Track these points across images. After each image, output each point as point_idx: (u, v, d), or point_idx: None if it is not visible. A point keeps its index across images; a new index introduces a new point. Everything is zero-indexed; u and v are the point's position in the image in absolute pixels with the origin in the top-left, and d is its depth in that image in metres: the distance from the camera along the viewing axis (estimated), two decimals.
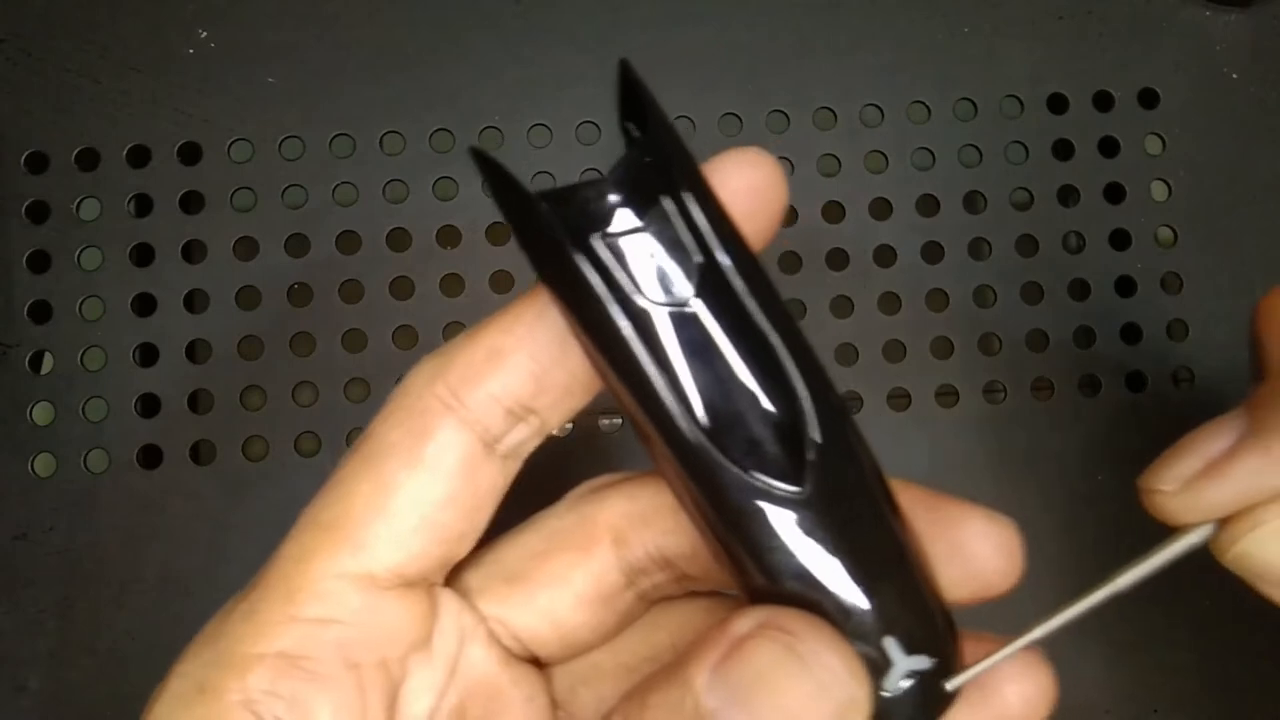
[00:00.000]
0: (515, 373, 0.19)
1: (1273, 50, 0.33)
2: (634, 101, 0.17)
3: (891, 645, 0.17)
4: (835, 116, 0.32)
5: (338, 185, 0.31)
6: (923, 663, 0.17)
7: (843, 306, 0.31)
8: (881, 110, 0.32)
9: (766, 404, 0.17)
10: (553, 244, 0.17)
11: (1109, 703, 0.30)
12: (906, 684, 0.17)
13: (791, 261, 0.32)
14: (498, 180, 0.17)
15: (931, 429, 0.31)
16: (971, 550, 0.18)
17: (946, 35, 0.33)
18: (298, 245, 0.31)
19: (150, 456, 0.30)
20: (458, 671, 0.20)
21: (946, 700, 0.18)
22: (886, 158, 0.32)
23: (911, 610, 0.17)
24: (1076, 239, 0.32)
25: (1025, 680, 0.19)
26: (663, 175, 0.17)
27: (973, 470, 0.31)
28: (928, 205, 0.32)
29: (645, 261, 0.17)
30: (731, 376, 0.17)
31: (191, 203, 0.31)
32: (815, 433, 0.17)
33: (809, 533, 0.17)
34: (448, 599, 0.21)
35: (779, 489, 0.17)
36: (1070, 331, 0.31)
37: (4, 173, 0.31)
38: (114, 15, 0.32)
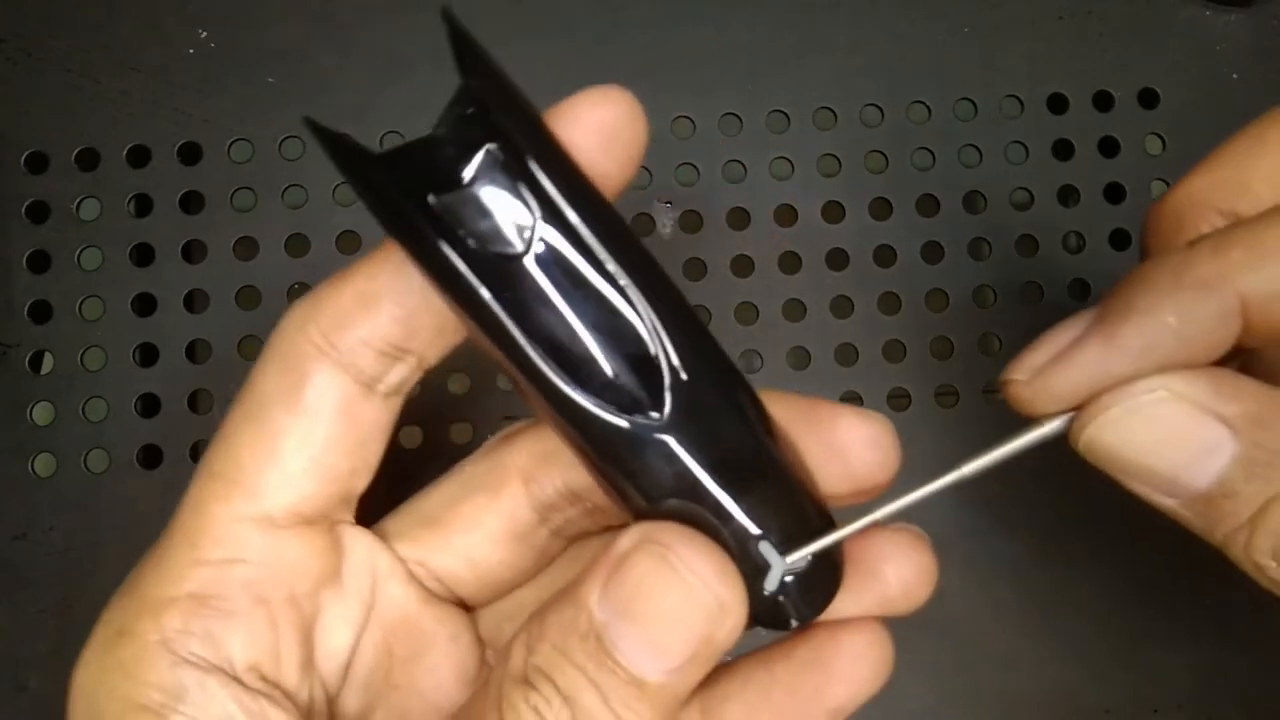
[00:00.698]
0: (384, 317, 0.19)
1: (1273, 50, 0.33)
2: (464, 53, 0.17)
3: (767, 548, 0.18)
4: (835, 116, 0.32)
5: (337, 185, 0.31)
6: (801, 560, 0.18)
7: (843, 306, 0.31)
8: (881, 110, 0.32)
9: (619, 339, 0.17)
10: (392, 207, 0.17)
11: (1109, 703, 0.30)
12: (788, 580, 0.18)
13: (791, 261, 0.32)
14: (332, 147, 0.17)
15: (931, 429, 0.31)
16: (845, 447, 0.19)
17: (946, 35, 0.33)
18: (298, 245, 0.31)
19: (150, 456, 0.30)
20: (377, 609, 0.21)
21: (828, 592, 0.19)
22: (886, 158, 0.32)
23: (784, 513, 0.18)
24: (1076, 239, 0.32)
25: (903, 561, 0.20)
26: (491, 124, 0.17)
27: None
28: (928, 205, 0.32)
29: (485, 214, 0.17)
30: (583, 317, 0.17)
31: (191, 203, 0.31)
32: (669, 361, 0.17)
33: (675, 455, 0.17)
34: (357, 538, 0.21)
35: (640, 418, 0.17)
36: None
37: (4, 173, 0.31)
38: (114, 15, 0.32)
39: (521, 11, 0.32)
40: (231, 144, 0.32)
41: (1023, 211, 0.32)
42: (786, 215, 0.32)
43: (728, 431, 0.18)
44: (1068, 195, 0.32)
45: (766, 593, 0.18)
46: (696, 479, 0.18)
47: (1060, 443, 0.19)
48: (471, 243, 0.17)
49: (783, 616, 0.19)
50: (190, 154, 0.32)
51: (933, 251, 0.32)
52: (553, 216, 0.17)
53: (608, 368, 0.17)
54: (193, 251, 0.31)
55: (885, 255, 0.32)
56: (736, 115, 0.32)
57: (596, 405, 0.17)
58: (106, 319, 0.31)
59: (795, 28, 0.33)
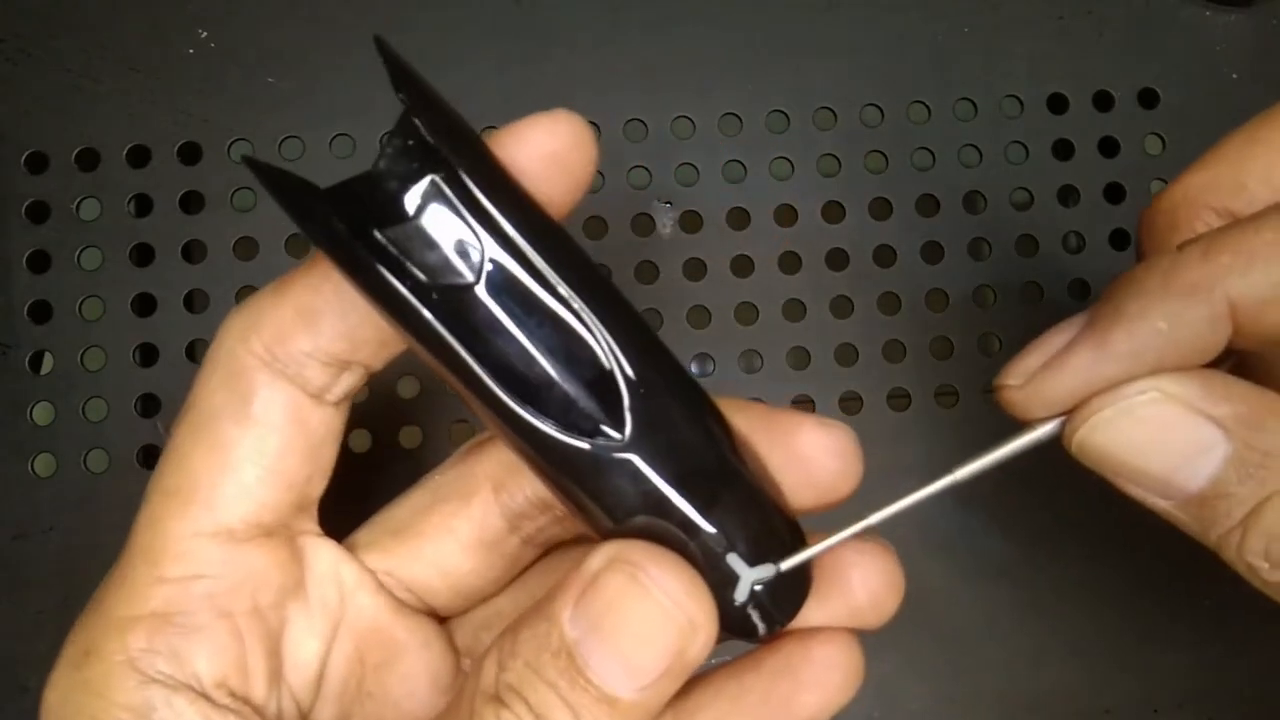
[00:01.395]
0: (327, 332, 0.19)
1: (1273, 50, 0.33)
2: (401, 82, 0.17)
3: (735, 560, 0.18)
4: (835, 116, 0.32)
5: None
6: (768, 571, 0.18)
7: (843, 306, 0.31)
8: (881, 110, 0.32)
9: (576, 362, 0.17)
10: (339, 244, 0.17)
11: (1109, 703, 0.30)
12: (757, 591, 0.18)
13: (791, 261, 0.32)
14: (274, 184, 0.17)
15: (931, 429, 0.31)
16: (807, 457, 0.19)
17: (946, 35, 0.33)
18: (297, 245, 0.31)
19: (150, 456, 0.30)
20: (346, 620, 0.21)
21: (796, 601, 0.19)
22: (886, 158, 0.32)
23: (751, 525, 0.18)
24: (1076, 239, 0.32)
25: (869, 570, 0.20)
26: (433, 154, 0.17)
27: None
28: (928, 205, 0.32)
29: (432, 246, 0.17)
30: (538, 342, 0.17)
31: (191, 203, 0.31)
32: (628, 380, 0.17)
33: (639, 473, 0.18)
34: (320, 548, 0.21)
35: (601, 440, 0.17)
36: None
37: (4, 173, 0.31)
38: (114, 15, 0.32)
39: (521, 13, 0.32)
40: (231, 144, 0.32)
41: (1023, 211, 0.32)
42: (786, 215, 0.32)
43: (690, 446, 0.18)
44: (1068, 195, 0.32)
45: (736, 604, 0.18)
46: (662, 495, 0.18)
47: (1057, 445, 0.19)
48: (421, 276, 0.17)
49: (752, 626, 0.19)
50: (190, 154, 0.32)
51: (933, 251, 0.32)
52: (501, 244, 0.17)
53: (566, 391, 0.17)
54: (193, 251, 0.31)
55: (885, 255, 0.32)
56: (736, 115, 0.32)
57: (557, 429, 0.17)
58: (106, 319, 0.31)
59: (795, 28, 0.33)
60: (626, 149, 0.32)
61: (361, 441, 0.30)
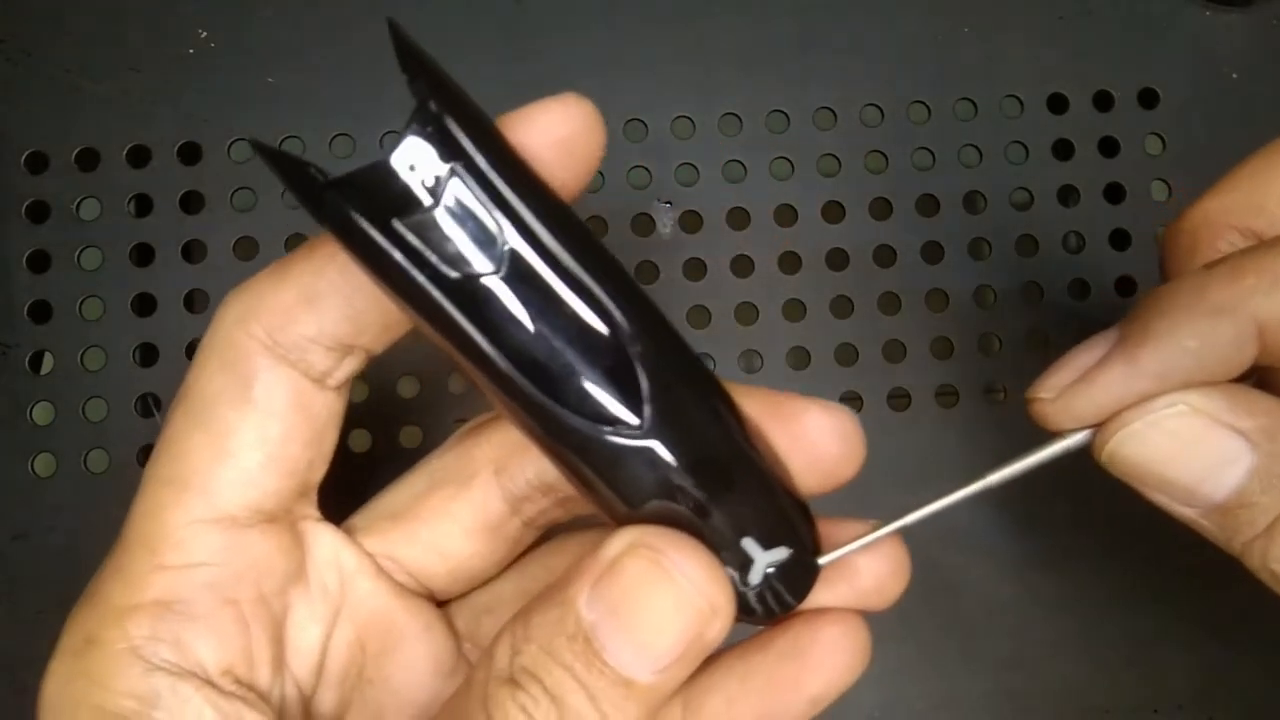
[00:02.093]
0: (331, 316, 0.19)
1: (1273, 50, 0.33)
2: (415, 69, 0.17)
3: (750, 544, 0.19)
4: (835, 116, 0.32)
5: None
6: (781, 554, 0.19)
7: (843, 306, 0.31)
8: (881, 110, 0.32)
9: (596, 351, 0.17)
10: (357, 234, 0.16)
11: (1109, 703, 0.30)
12: (770, 573, 0.19)
13: (791, 261, 0.32)
14: (287, 171, 0.17)
15: (931, 429, 0.31)
16: (812, 440, 0.20)
17: (946, 35, 0.33)
18: (297, 245, 0.31)
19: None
20: (347, 605, 0.21)
21: (807, 584, 0.19)
22: (886, 158, 0.32)
23: (764, 509, 0.19)
24: (1076, 239, 0.32)
25: (876, 553, 0.20)
26: (452, 143, 0.17)
27: (973, 470, 0.31)
28: (928, 205, 0.32)
29: (452, 235, 0.17)
30: (560, 331, 0.17)
31: (191, 203, 0.31)
32: (647, 370, 0.17)
33: (657, 460, 0.18)
34: (321, 533, 0.21)
35: (620, 427, 0.17)
36: (1070, 332, 0.31)
37: (4, 173, 0.31)
38: (114, 15, 0.32)
39: (521, 12, 0.32)
40: (231, 144, 0.32)
41: (1023, 211, 0.32)
42: (786, 215, 0.32)
43: (706, 432, 0.18)
44: (1068, 195, 0.32)
45: (749, 586, 0.19)
46: (679, 481, 0.18)
47: (1076, 451, 0.20)
48: (442, 266, 0.17)
49: (764, 609, 0.19)
50: (190, 154, 0.32)
51: (933, 251, 0.32)
52: (522, 233, 0.17)
53: (587, 380, 0.17)
54: (193, 251, 0.31)
55: (885, 255, 0.32)
56: (736, 115, 0.32)
57: (578, 418, 0.17)
58: (106, 319, 0.30)
59: (795, 28, 0.33)
60: (626, 149, 0.32)
61: (361, 441, 0.30)
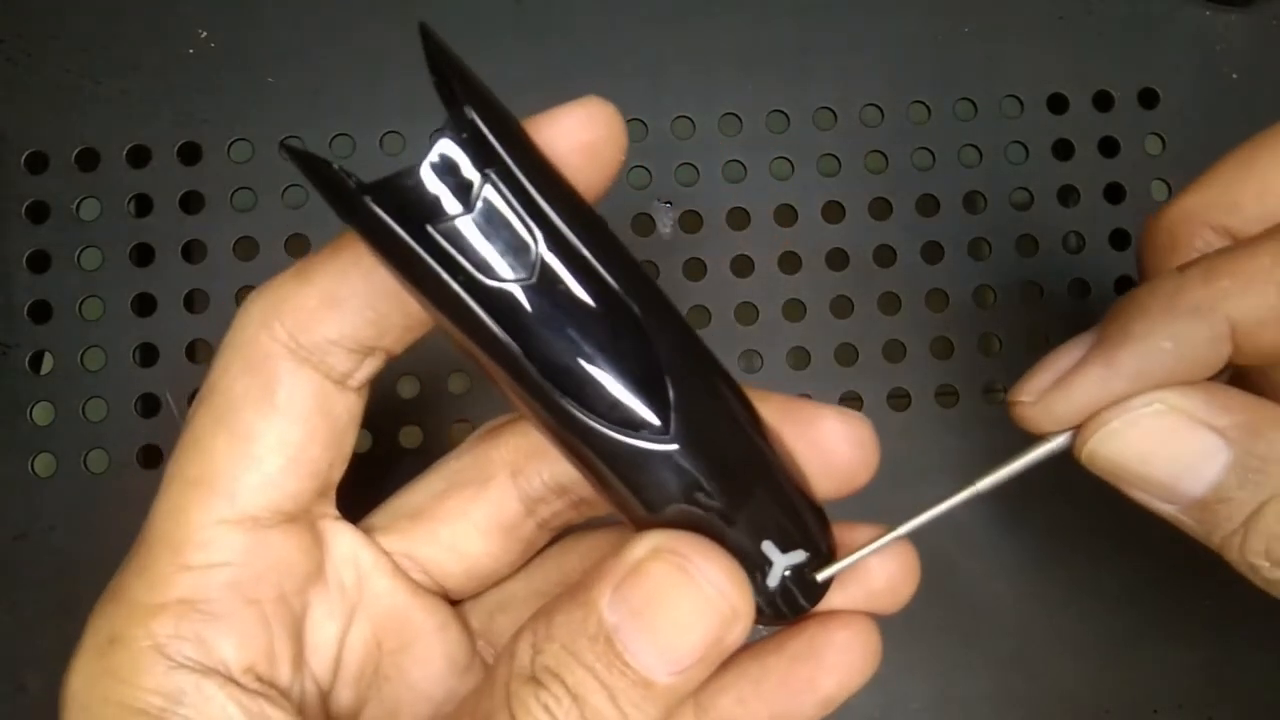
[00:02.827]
0: (354, 319, 0.19)
1: (1273, 50, 0.33)
2: (448, 74, 0.17)
3: (769, 548, 0.19)
4: (835, 116, 0.32)
5: None
6: (799, 557, 0.19)
7: (843, 306, 0.31)
8: (881, 110, 0.32)
9: (625, 360, 0.17)
10: (389, 240, 0.16)
11: (1109, 703, 0.30)
12: (787, 576, 0.19)
13: (791, 261, 0.32)
14: (321, 177, 0.16)
15: (931, 429, 0.31)
16: (828, 447, 0.20)
17: (946, 35, 0.33)
18: (298, 245, 0.31)
19: (150, 456, 0.30)
20: (363, 603, 0.22)
21: (824, 586, 0.20)
22: (886, 158, 0.32)
23: (783, 513, 0.19)
24: (1076, 239, 0.32)
25: (888, 556, 0.21)
26: (487, 149, 0.17)
27: (972, 470, 0.31)
28: (928, 205, 0.32)
29: (486, 242, 0.17)
30: (591, 339, 0.17)
31: (191, 203, 0.31)
32: (674, 378, 0.18)
33: (681, 466, 0.18)
34: (339, 532, 0.22)
35: (648, 438, 0.18)
36: (1071, 331, 0.31)
37: (4, 173, 0.31)
38: (114, 15, 0.32)
39: (521, 12, 0.32)
40: (231, 144, 0.32)
41: (1023, 211, 0.32)
42: (786, 215, 0.32)
43: (729, 439, 0.18)
44: (1068, 195, 0.32)
45: (767, 589, 0.19)
46: (702, 486, 0.18)
47: (1060, 452, 0.20)
48: (475, 273, 0.17)
49: (780, 611, 0.19)
50: (190, 154, 0.32)
51: (933, 251, 0.32)
52: (555, 241, 0.17)
53: (615, 387, 0.17)
54: (193, 251, 0.31)
55: (885, 255, 0.32)
56: (736, 115, 0.32)
57: (605, 425, 0.18)
58: (106, 319, 0.30)
59: (795, 27, 0.33)
60: (626, 149, 0.32)
61: (361, 441, 0.30)
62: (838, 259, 0.32)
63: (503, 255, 0.17)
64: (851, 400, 0.31)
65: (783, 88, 0.32)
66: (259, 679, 0.20)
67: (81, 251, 0.31)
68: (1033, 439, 0.20)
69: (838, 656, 0.20)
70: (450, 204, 0.17)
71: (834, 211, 0.32)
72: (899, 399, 0.31)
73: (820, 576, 0.19)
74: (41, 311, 0.31)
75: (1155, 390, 0.19)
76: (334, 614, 0.21)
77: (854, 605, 0.21)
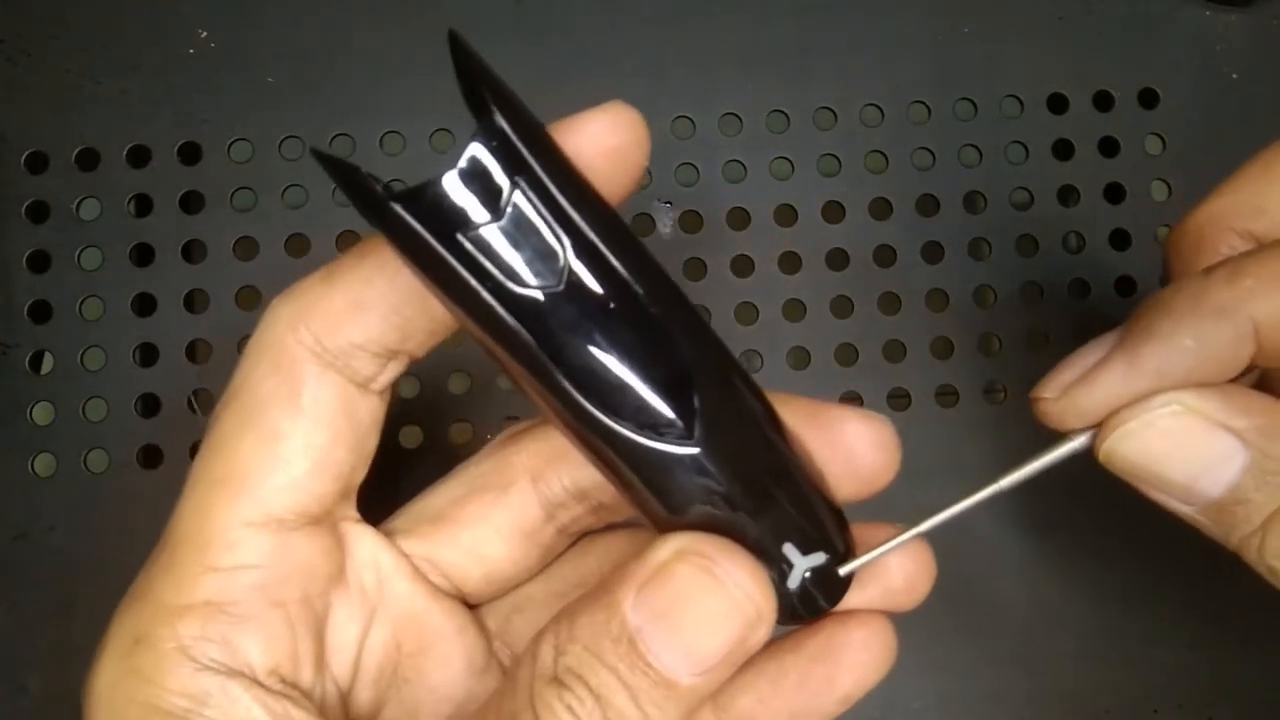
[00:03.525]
0: (379, 324, 0.20)
1: (1273, 50, 0.33)
2: (478, 82, 0.17)
3: (790, 550, 0.19)
4: (835, 116, 0.32)
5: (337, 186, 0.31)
6: (819, 559, 0.19)
7: (843, 306, 0.31)
8: (881, 110, 0.32)
9: (651, 365, 0.18)
10: (419, 248, 0.17)
11: (1109, 703, 0.30)
12: (807, 577, 0.19)
13: (791, 261, 0.32)
14: (351, 184, 0.17)
15: (931, 429, 0.31)
16: (851, 449, 0.20)
17: (946, 35, 0.33)
18: (298, 245, 0.31)
19: (150, 456, 0.30)
20: (384, 605, 0.22)
21: (843, 587, 0.20)
22: (886, 158, 0.32)
23: (804, 516, 0.19)
24: (1076, 239, 0.32)
25: (905, 555, 0.21)
26: (515, 158, 0.17)
27: (972, 470, 0.31)
28: (928, 205, 0.32)
29: (515, 250, 0.17)
30: (617, 345, 0.17)
31: (191, 203, 0.31)
32: (700, 384, 0.18)
33: (706, 469, 0.18)
34: (361, 535, 0.22)
35: (673, 442, 0.18)
36: (1071, 331, 0.31)
37: (4, 173, 0.31)
38: (114, 15, 0.32)
39: (521, 12, 0.32)
40: (231, 144, 0.32)
41: (1023, 211, 0.32)
42: (786, 215, 0.32)
43: (752, 443, 0.19)
44: (1068, 195, 0.32)
45: (788, 590, 0.19)
46: (726, 490, 0.18)
47: (1082, 452, 0.20)
48: (504, 280, 0.17)
49: (800, 612, 0.20)
50: (190, 154, 0.32)
51: (933, 251, 0.32)
52: (583, 248, 0.17)
53: (641, 393, 0.18)
54: (193, 251, 0.31)
55: (885, 255, 0.32)
56: (736, 115, 0.32)
57: (631, 430, 0.18)
58: (106, 319, 0.30)
59: (794, 27, 0.33)
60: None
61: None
62: (838, 259, 0.32)
63: (531, 263, 0.17)
64: (851, 400, 0.31)
65: (783, 88, 0.32)
66: (282, 680, 0.20)
67: (81, 251, 0.31)
68: (1050, 438, 0.20)
69: (856, 655, 0.20)
70: (478, 212, 0.17)
71: (834, 211, 0.32)
72: (899, 399, 0.31)
73: (841, 572, 0.20)
74: (41, 311, 0.31)
75: (1173, 391, 0.19)
76: (355, 616, 0.21)
77: (871, 604, 0.21)
